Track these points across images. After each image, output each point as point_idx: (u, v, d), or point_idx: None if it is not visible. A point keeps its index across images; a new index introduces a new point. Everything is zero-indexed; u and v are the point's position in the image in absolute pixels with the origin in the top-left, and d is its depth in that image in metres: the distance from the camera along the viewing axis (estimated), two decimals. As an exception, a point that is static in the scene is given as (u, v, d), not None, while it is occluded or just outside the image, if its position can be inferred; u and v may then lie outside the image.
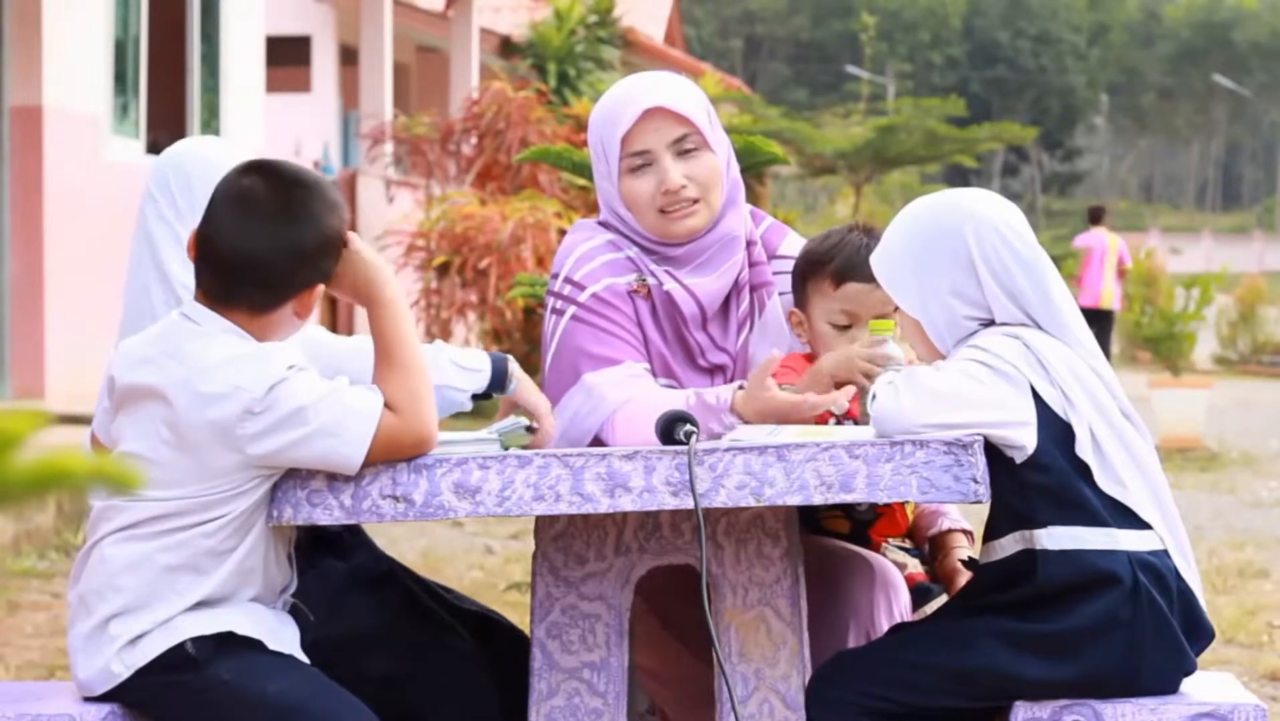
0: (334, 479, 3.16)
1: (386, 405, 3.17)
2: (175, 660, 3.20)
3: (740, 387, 3.50)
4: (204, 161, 3.53)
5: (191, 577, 3.20)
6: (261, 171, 3.26)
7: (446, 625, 3.60)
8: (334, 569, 3.54)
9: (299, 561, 3.39)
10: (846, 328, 3.68)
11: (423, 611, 3.60)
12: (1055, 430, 3.27)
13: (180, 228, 3.49)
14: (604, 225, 3.74)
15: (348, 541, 3.61)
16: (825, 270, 3.68)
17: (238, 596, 3.25)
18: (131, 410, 3.21)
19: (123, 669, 3.21)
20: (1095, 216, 19.05)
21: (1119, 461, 3.30)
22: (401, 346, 3.24)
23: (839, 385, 3.54)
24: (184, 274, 3.46)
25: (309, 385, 3.15)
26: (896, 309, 3.49)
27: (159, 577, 3.20)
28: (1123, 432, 3.33)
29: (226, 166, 3.41)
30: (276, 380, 3.13)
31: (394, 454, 3.17)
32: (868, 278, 3.57)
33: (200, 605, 3.21)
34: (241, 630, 3.23)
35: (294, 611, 3.35)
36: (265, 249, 3.19)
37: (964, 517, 3.93)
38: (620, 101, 3.67)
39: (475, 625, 3.66)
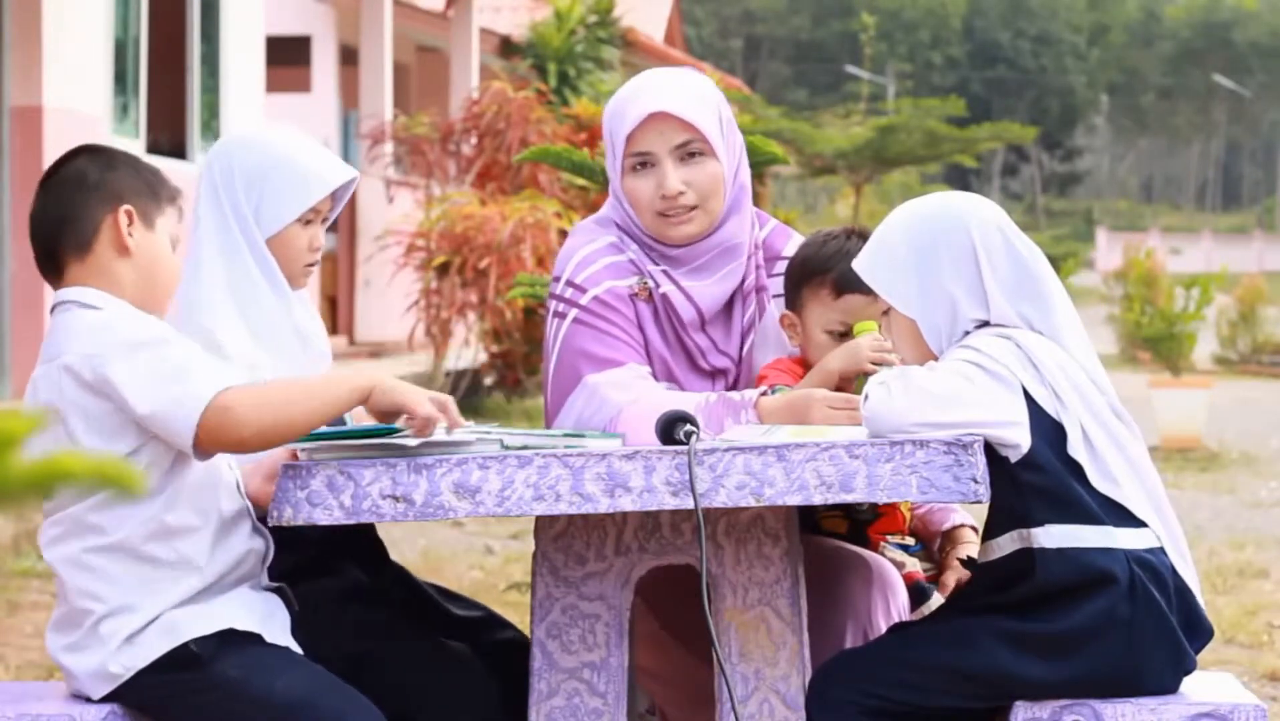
0: (333, 480, 3.15)
1: (228, 397, 3.10)
2: (179, 660, 3.20)
3: (764, 393, 3.51)
4: (259, 149, 3.56)
5: (160, 568, 3.19)
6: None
7: (442, 632, 3.59)
8: (324, 588, 3.51)
9: (288, 584, 3.38)
10: (844, 336, 3.67)
11: (417, 621, 3.59)
12: (1047, 430, 3.28)
13: (237, 221, 3.52)
14: (610, 220, 3.73)
15: (339, 563, 3.58)
16: (825, 279, 3.67)
17: (224, 578, 3.24)
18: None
19: (121, 669, 3.20)
20: None
21: (1111, 460, 3.31)
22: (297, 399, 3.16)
23: (845, 380, 3.55)
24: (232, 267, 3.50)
25: (170, 349, 3.15)
26: (885, 311, 3.48)
27: (133, 573, 3.19)
28: (1114, 432, 3.34)
29: (278, 146, 3.46)
30: (141, 340, 3.14)
31: (218, 440, 3.12)
32: (869, 289, 3.58)
33: (191, 598, 3.21)
34: (241, 625, 3.22)
35: (279, 595, 3.35)
36: (41, 203, 3.31)
37: (970, 516, 3.94)
38: (629, 99, 3.65)
39: (470, 628, 3.65)
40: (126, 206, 3.27)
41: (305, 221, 3.57)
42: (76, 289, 3.26)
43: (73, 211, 3.28)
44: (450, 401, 3.20)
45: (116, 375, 3.13)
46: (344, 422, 3.35)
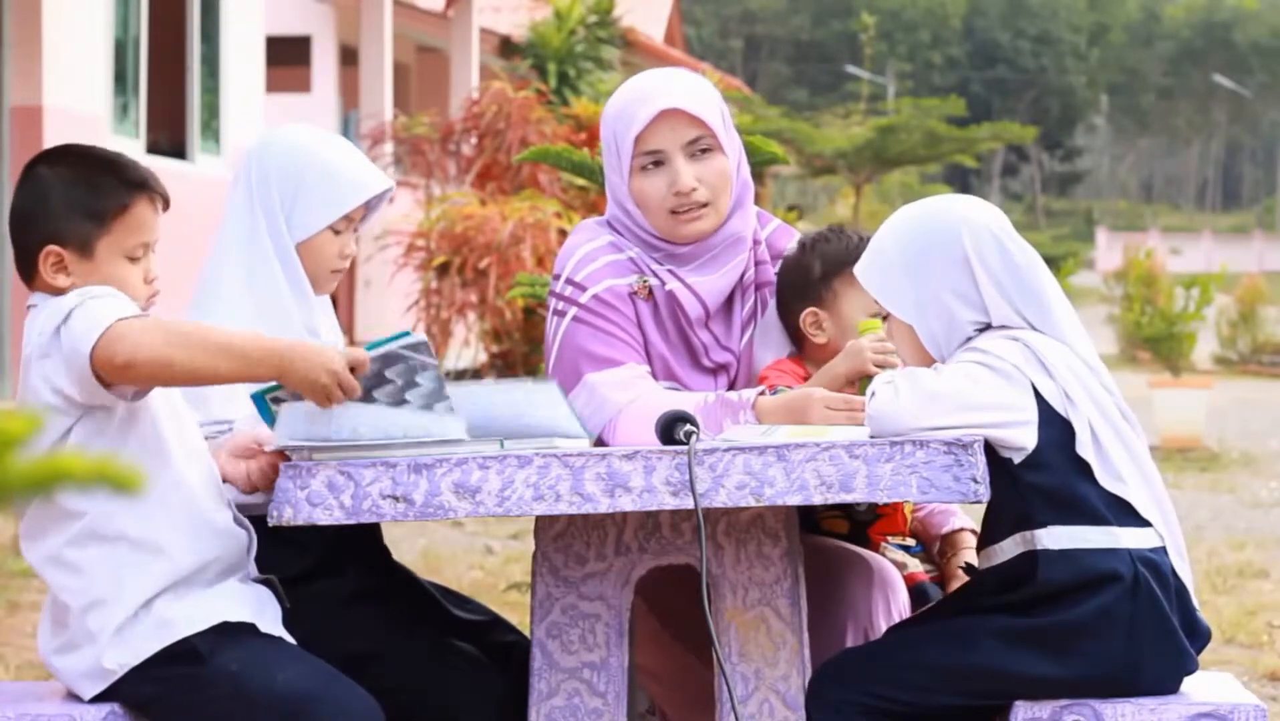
0: (333, 480, 3.15)
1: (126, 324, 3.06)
2: (175, 655, 3.19)
3: (762, 393, 3.51)
4: (291, 148, 3.56)
5: (123, 548, 3.18)
6: None
7: (448, 634, 3.59)
8: (331, 589, 3.51)
9: (294, 586, 3.38)
10: (883, 318, 3.68)
11: (423, 622, 3.59)
12: (1056, 428, 3.27)
13: (268, 222, 3.51)
14: (608, 223, 3.74)
15: (343, 565, 3.57)
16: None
17: (206, 569, 3.23)
18: None
19: (115, 665, 3.19)
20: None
21: (1118, 459, 3.31)
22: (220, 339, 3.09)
23: (852, 381, 3.56)
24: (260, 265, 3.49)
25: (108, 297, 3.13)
26: (885, 317, 3.48)
27: (104, 561, 3.18)
28: (1121, 430, 3.34)
29: (315, 151, 3.46)
30: (89, 293, 3.13)
31: (109, 360, 3.04)
32: None
33: (174, 585, 3.20)
34: (234, 616, 3.22)
35: (269, 589, 3.34)
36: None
37: (970, 519, 3.93)
38: (636, 99, 3.65)
39: (475, 631, 3.65)
40: (51, 248, 3.21)
41: (336, 230, 3.55)
42: (40, 294, 3.25)
43: (15, 240, 3.26)
44: (346, 368, 3.09)
45: (70, 317, 3.10)
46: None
